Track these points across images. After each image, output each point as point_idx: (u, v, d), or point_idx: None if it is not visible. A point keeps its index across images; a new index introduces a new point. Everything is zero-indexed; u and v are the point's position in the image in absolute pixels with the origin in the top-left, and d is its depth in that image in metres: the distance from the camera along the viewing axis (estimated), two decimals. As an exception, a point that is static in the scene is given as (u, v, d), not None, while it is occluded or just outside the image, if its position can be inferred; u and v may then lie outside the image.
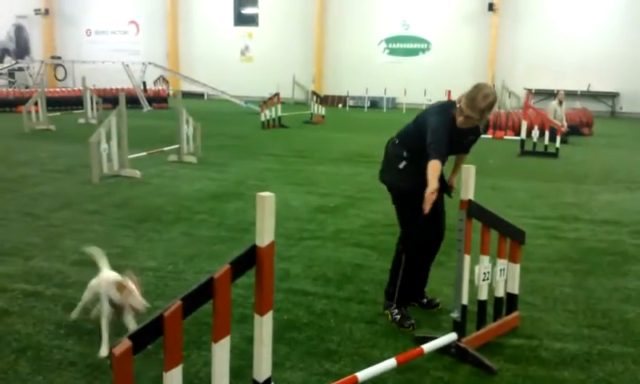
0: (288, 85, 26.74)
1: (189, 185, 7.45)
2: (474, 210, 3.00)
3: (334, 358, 3.05)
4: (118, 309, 2.91)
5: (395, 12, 26.50)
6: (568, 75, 23.29)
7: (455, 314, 3.07)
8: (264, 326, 2.13)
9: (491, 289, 3.28)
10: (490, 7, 24.57)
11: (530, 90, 21.98)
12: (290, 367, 2.93)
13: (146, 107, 20.49)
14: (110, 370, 1.93)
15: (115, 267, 3.25)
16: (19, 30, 33.07)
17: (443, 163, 3.18)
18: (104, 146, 7.54)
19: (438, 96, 15.38)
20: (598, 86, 23.68)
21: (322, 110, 18.06)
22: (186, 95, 20.88)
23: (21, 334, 3.20)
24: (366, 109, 25.28)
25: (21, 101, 16.95)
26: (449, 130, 3.22)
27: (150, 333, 1.88)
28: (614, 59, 23.02)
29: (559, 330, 3.43)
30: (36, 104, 13.58)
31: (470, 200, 2.96)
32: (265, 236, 2.06)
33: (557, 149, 11.01)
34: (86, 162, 7.80)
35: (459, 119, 3.22)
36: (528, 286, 4.04)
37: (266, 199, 2.04)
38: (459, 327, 3.06)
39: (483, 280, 3.16)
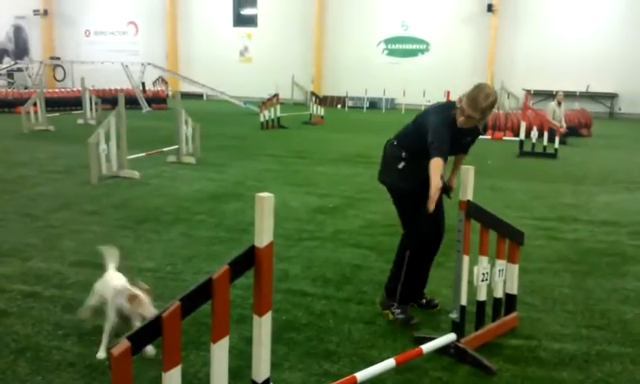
0: (287, 85, 26.73)
1: (188, 185, 7.45)
2: (472, 210, 3.00)
3: (333, 358, 3.05)
4: (125, 318, 2.86)
5: (394, 13, 26.52)
6: (567, 76, 23.30)
7: (454, 315, 3.08)
8: (263, 327, 2.13)
9: (490, 289, 3.29)
10: (489, 8, 24.61)
11: (528, 91, 21.94)
12: (288, 368, 2.93)
13: (145, 108, 20.48)
14: (109, 370, 1.93)
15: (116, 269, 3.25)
16: (18, 31, 33.06)
17: (445, 162, 3.18)
18: (103, 146, 7.54)
19: (437, 97, 15.44)
20: (596, 87, 23.71)
21: (321, 111, 18.07)
22: (185, 96, 20.87)
23: (19, 335, 3.20)
24: (365, 109, 25.30)
25: (20, 101, 16.95)
26: (450, 129, 3.22)
27: (149, 333, 1.88)
28: (613, 60, 23.05)
29: (558, 331, 3.44)
30: (35, 105, 13.58)
31: (468, 200, 2.97)
32: (264, 236, 2.06)
33: (555, 150, 11.02)
34: (84, 162, 7.79)
35: (460, 119, 3.23)
36: (527, 287, 4.04)
37: (265, 200, 2.04)
38: (458, 328, 3.06)
39: (482, 280, 3.17)
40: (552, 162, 10.57)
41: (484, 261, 3.15)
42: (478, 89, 3.17)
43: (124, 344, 1.76)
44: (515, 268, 3.41)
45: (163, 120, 16.13)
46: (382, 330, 3.41)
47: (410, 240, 3.48)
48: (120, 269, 3.22)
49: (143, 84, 22.99)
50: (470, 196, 2.97)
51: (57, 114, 17.44)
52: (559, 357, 3.12)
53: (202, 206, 6.36)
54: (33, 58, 31.04)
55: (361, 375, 2.63)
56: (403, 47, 26.85)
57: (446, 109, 3.34)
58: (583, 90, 23.67)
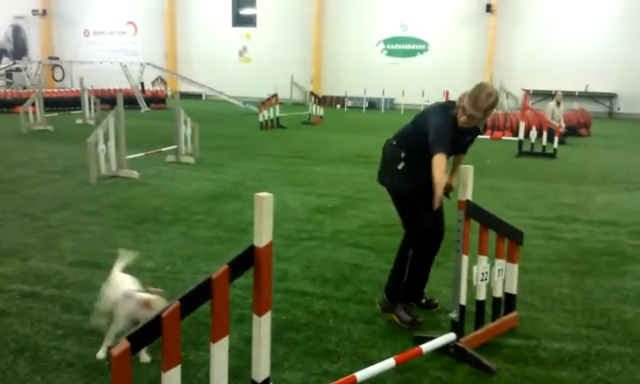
0: (286, 85, 26.75)
1: (187, 185, 7.44)
2: (472, 210, 3.00)
3: (333, 358, 3.05)
4: (138, 323, 2.76)
5: (393, 13, 26.53)
6: (566, 76, 23.33)
7: (454, 314, 3.08)
8: (262, 327, 2.13)
9: (489, 289, 3.29)
10: (488, 8, 24.62)
11: (527, 91, 21.99)
12: (288, 367, 2.93)
13: (144, 108, 20.46)
14: (109, 370, 1.92)
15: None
16: (17, 31, 33.03)
17: (447, 158, 3.17)
18: (102, 146, 7.53)
19: (436, 97, 15.44)
20: (595, 87, 23.73)
21: (320, 111, 18.07)
22: (184, 96, 20.85)
23: (19, 335, 3.20)
24: (364, 109, 25.31)
25: (18, 101, 16.91)
26: (451, 128, 3.22)
27: (149, 333, 1.87)
28: (612, 60, 23.07)
29: (557, 330, 3.44)
30: (34, 105, 13.56)
31: (468, 200, 2.97)
32: (263, 236, 2.06)
33: (555, 149, 11.02)
34: (83, 162, 7.79)
35: (462, 118, 3.22)
36: (526, 287, 4.04)
37: (264, 200, 2.04)
38: (458, 327, 3.06)
39: (481, 280, 3.17)
40: (551, 162, 10.57)
41: (483, 260, 3.15)
42: (480, 88, 3.17)
43: (124, 344, 1.76)
44: (514, 267, 3.41)
45: (162, 120, 16.12)
46: (382, 329, 3.41)
47: (411, 239, 3.47)
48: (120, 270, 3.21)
49: (142, 84, 22.98)
50: (469, 196, 2.97)
51: (55, 114, 17.44)
52: (559, 356, 3.12)
53: (201, 205, 6.36)
54: (31, 57, 31.01)
55: (360, 375, 2.63)
56: (402, 47, 26.86)
57: (447, 108, 3.33)
58: (582, 89, 23.69)
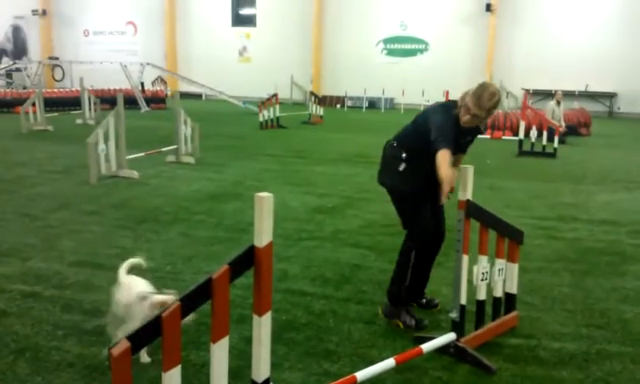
0: (286, 85, 26.74)
1: (187, 185, 7.44)
2: (472, 210, 3.00)
3: (333, 358, 3.05)
4: None
5: (393, 13, 26.52)
6: (566, 76, 23.33)
7: (454, 314, 3.08)
8: (262, 327, 2.13)
9: (490, 289, 3.29)
10: (488, 8, 24.62)
11: (527, 91, 22.00)
12: (288, 367, 2.93)
13: (144, 108, 20.46)
14: (109, 370, 1.92)
15: (115, 269, 3.23)
16: (17, 31, 33.02)
17: (451, 154, 3.13)
18: (102, 146, 7.53)
19: (436, 96, 15.45)
20: (595, 87, 23.73)
21: (320, 111, 18.07)
22: (184, 96, 20.84)
23: (19, 335, 3.20)
24: (364, 109, 25.31)
25: (18, 101, 16.91)
26: (453, 126, 3.22)
27: (149, 333, 1.88)
28: (612, 60, 23.07)
29: (557, 330, 3.44)
30: (34, 105, 13.56)
31: (468, 200, 2.97)
32: (263, 236, 2.06)
33: (555, 149, 11.02)
34: (83, 162, 7.79)
35: (465, 118, 3.20)
36: (526, 286, 4.04)
37: (265, 200, 2.04)
38: (458, 327, 3.06)
39: (482, 280, 3.17)
40: (551, 162, 10.57)
41: (483, 260, 3.15)
42: (483, 87, 3.16)
43: (124, 344, 1.76)
44: (515, 267, 3.41)
45: (162, 120, 16.12)
46: (382, 329, 3.41)
47: (412, 240, 3.47)
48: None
49: (142, 84, 22.98)
50: (469, 195, 2.97)
51: (55, 114, 17.44)
52: (559, 356, 3.12)
53: (201, 205, 6.36)
54: (31, 57, 31.00)
55: (361, 375, 2.63)
56: (402, 47, 26.86)
57: (448, 108, 3.32)
58: (582, 89, 23.69)
